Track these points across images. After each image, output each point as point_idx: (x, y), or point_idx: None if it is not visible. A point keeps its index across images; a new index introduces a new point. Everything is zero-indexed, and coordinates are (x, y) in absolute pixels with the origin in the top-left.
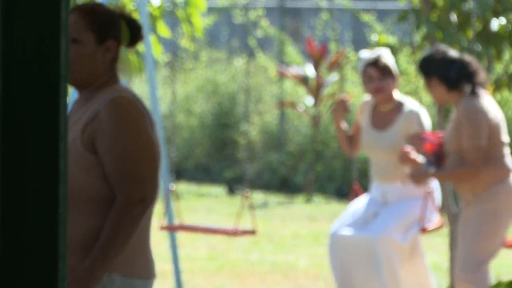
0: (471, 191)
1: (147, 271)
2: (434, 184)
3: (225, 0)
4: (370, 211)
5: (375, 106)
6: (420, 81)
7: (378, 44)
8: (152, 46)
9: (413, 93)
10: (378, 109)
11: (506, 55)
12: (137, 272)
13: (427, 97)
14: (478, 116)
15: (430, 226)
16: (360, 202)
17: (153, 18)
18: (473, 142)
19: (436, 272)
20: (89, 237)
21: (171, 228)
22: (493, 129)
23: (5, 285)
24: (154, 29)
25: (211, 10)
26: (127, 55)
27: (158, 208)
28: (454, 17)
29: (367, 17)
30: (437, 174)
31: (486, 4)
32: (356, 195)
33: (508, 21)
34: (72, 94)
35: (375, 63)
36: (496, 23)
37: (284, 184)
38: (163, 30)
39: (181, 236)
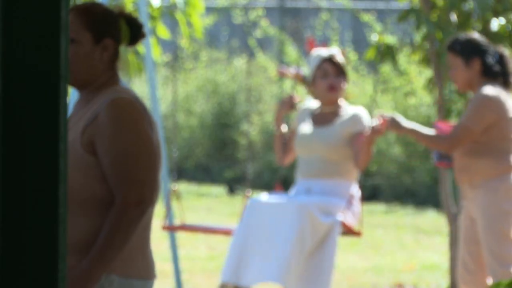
0: (469, 182)
1: (146, 272)
2: (357, 194)
3: (225, 0)
4: (292, 195)
5: (315, 110)
6: (419, 81)
7: (378, 44)
8: (151, 46)
9: (413, 93)
10: (320, 111)
11: None
12: (136, 272)
13: (426, 97)
14: (488, 104)
15: (351, 224)
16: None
17: (152, 19)
18: (466, 122)
19: (436, 272)
20: (87, 238)
21: (173, 228)
22: (505, 124)
23: (5, 285)
24: (153, 30)
25: (211, 10)
26: (127, 55)
27: (159, 208)
28: (454, 17)
29: (367, 17)
30: (415, 131)
31: (486, 4)
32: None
33: (508, 21)
34: (72, 94)
35: (332, 60)
36: (496, 23)
37: (284, 184)
38: (163, 31)
39: (181, 236)
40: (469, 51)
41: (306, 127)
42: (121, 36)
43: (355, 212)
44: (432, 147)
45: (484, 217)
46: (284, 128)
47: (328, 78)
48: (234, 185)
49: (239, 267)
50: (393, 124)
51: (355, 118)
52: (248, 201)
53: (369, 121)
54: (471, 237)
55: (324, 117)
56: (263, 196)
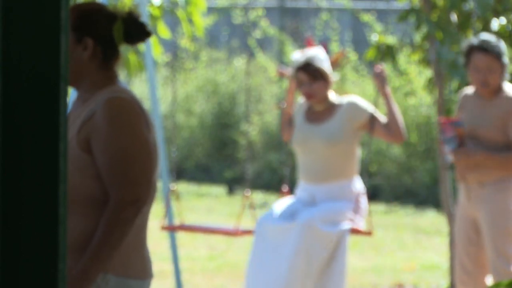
0: (478, 181)
1: (143, 271)
2: (362, 191)
3: (225, 0)
4: (298, 206)
5: (307, 107)
6: (419, 81)
7: (378, 44)
8: (152, 46)
9: (413, 93)
10: (313, 109)
11: None
12: (132, 272)
13: (427, 97)
14: None
15: (360, 228)
16: (287, 200)
17: (153, 19)
18: None
19: (436, 272)
20: (83, 237)
21: (172, 228)
22: None
23: (5, 285)
24: (154, 30)
25: (211, 10)
26: (127, 54)
27: (158, 208)
28: (454, 17)
29: (367, 17)
30: (488, 155)
31: (486, 4)
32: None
33: (508, 21)
34: (72, 94)
35: (305, 67)
36: (496, 23)
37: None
38: (163, 31)
39: (181, 236)
40: (503, 55)
41: (301, 126)
42: (104, 36)
43: (363, 211)
44: (509, 168)
45: (491, 216)
46: (293, 105)
47: (303, 86)
48: (234, 185)
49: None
50: (465, 154)
51: (352, 108)
52: (257, 223)
53: (366, 104)
54: (469, 238)
55: (318, 115)
56: (271, 213)
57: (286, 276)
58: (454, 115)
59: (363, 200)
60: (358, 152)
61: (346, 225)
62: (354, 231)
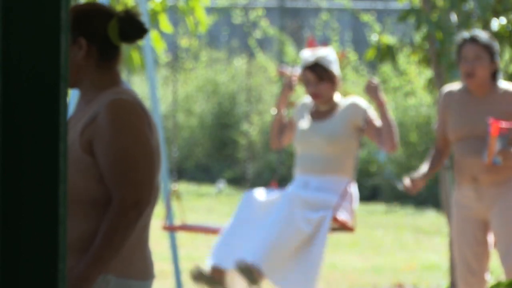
0: (491, 181)
1: (144, 272)
2: (355, 193)
3: (225, 0)
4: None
5: (312, 106)
6: (419, 81)
7: (378, 44)
8: (152, 45)
9: (413, 93)
10: (317, 108)
11: (506, 55)
12: (133, 273)
13: (427, 97)
14: None
15: (343, 218)
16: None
17: (154, 13)
18: None
19: (436, 272)
20: (85, 238)
21: (173, 229)
22: None
23: (5, 285)
24: (156, 25)
25: (211, 10)
26: (130, 52)
27: (159, 209)
28: (454, 17)
29: (367, 17)
30: None
31: (486, 4)
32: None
33: (508, 21)
34: (72, 94)
35: (313, 68)
36: (496, 23)
37: (284, 184)
38: (166, 25)
39: (181, 236)
40: (493, 49)
41: (304, 123)
42: (98, 35)
43: (349, 208)
44: None
45: (506, 213)
46: (284, 112)
47: (309, 86)
48: (234, 185)
49: (227, 251)
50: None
51: (351, 107)
52: (244, 194)
53: (367, 105)
54: (477, 238)
55: (322, 113)
56: (259, 191)
57: (270, 239)
58: (439, 114)
59: (352, 199)
60: (357, 153)
61: (327, 212)
62: (337, 222)
